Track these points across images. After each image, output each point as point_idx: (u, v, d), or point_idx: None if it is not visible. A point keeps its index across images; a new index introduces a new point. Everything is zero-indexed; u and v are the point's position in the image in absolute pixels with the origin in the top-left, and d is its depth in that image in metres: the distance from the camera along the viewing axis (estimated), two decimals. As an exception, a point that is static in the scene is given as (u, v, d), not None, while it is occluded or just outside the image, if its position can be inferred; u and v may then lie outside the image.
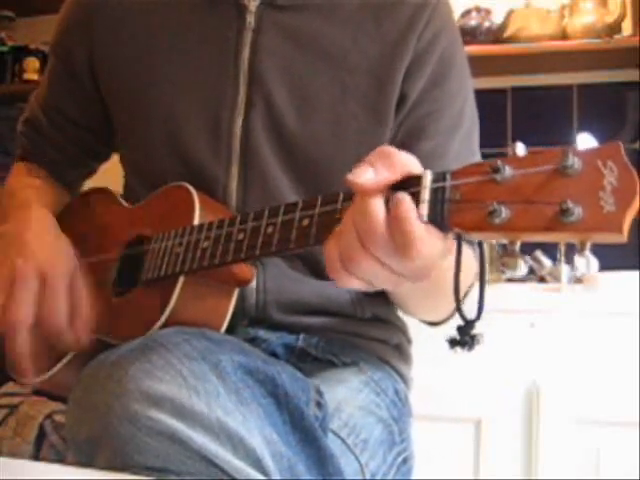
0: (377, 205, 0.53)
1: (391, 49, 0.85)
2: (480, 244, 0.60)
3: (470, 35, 2.11)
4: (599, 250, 1.88)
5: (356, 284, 0.56)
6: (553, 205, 0.47)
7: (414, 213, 0.51)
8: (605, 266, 1.94)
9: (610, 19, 2.03)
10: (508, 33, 2.09)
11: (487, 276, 0.58)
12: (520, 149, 0.50)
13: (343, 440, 0.77)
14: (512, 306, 1.70)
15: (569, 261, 1.99)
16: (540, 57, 2.08)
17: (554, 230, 0.47)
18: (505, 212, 0.48)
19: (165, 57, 0.89)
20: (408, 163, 0.54)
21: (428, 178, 0.53)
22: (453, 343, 0.58)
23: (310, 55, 0.85)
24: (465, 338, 0.57)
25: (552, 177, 0.48)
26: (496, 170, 0.49)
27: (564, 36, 2.07)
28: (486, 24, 2.13)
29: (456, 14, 2.14)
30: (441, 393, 1.68)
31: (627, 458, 1.58)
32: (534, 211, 0.48)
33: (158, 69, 0.89)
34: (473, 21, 2.12)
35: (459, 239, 0.55)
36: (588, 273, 0.48)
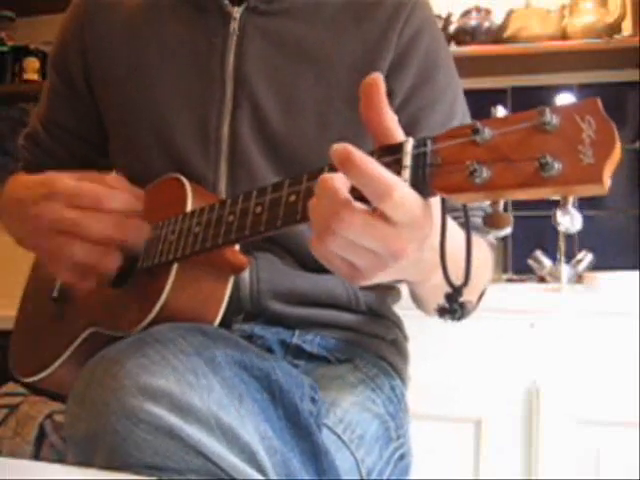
0: (339, 180, 0.52)
1: (373, 47, 0.88)
2: (465, 208, 0.60)
3: (470, 35, 2.10)
4: (599, 250, 1.87)
5: (337, 262, 0.55)
6: (532, 161, 0.47)
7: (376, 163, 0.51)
8: (605, 266, 1.94)
9: (610, 19, 2.03)
10: (508, 33, 2.08)
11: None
12: (500, 111, 0.51)
13: (339, 436, 0.78)
14: (512, 306, 1.70)
15: (569, 260, 2.00)
16: (540, 57, 2.08)
17: (534, 185, 0.47)
18: (486, 172, 0.49)
19: (155, 65, 0.91)
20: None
21: (410, 144, 0.53)
22: (442, 312, 0.58)
23: (293, 57, 0.88)
24: (454, 306, 0.57)
25: (531, 134, 0.48)
26: (476, 132, 0.50)
27: (564, 36, 2.06)
28: (486, 24, 2.12)
29: (456, 14, 2.15)
30: (441, 393, 1.68)
31: (627, 458, 1.58)
32: (514, 168, 0.48)
33: (148, 76, 0.91)
34: (473, 21, 2.11)
35: (443, 203, 0.55)
36: (572, 229, 0.48)
